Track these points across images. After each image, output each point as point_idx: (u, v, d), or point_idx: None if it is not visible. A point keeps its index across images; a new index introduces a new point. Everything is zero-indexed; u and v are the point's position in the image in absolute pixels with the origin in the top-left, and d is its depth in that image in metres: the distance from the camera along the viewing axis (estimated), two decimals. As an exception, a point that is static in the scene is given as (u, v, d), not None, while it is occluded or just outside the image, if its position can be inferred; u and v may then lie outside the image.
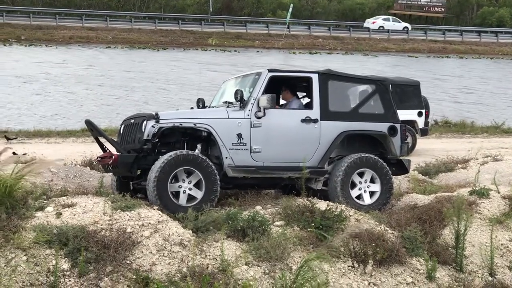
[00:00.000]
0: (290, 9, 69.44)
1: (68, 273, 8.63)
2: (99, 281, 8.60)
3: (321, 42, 68.71)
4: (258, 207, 10.70)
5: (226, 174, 10.84)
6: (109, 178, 13.00)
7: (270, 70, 11.35)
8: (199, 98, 12.48)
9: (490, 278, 10.21)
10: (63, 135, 20.69)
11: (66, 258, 8.74)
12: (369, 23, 77.41)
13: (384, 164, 11.48)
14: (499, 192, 11.78)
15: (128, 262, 8.86)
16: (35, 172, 10.06)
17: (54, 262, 8.61)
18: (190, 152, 10.57)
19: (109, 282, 8.61)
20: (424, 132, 20.00)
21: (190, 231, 9.56)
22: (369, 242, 9.81)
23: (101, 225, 9.29)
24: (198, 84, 38.92)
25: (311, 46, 66.81)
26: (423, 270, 9.91)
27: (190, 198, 10.45)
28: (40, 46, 55.66)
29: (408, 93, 19.57)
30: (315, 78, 11.50)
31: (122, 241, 9.01)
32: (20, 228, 8.99)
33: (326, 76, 11.57)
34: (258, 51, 62.13)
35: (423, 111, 19.95)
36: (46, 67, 43.19)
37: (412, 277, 9.81)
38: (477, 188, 11.88)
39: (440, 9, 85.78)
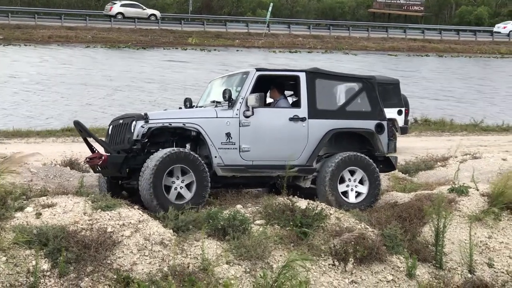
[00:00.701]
0: (270, 8, 69.40)
1: (48, 273, 8.60)
2: (80, 281, 8.58)
3: (301, 41, 68.69)
4: (239, 206, 10.72)
5: (215, 173, 10.89)
6: (90, 178, 12.98)
7: (258, 69, 11.44)
8: (186, 98, 12.51)
9: (469, 275, 10.28)
10: (42, 135, 20.57)
11: (46, 259, 8.72)
12: (499, 28, 77.88)
13: (372, 162, 11.56)
14: (478, 190, 11.85)
15: (108, 262, 8.85)
16: (12, 169, 10.01)
17: (34, 262, 8.58)
18: (190, 151, 10.68)
19: (90, 282, 8.59)
20: (404, 131, 20.06)
21: (171, 231, 9.56)
22: (349, 240, 9.85)
23: (82, 225, 9.27)
24: (181, 83, 38.87)
25: (291, 45, 66.79)
26: (403, 267, 9.97)
27: (179, 196, 10.50)
28: (19, 46, 55.27)
29: (388, 91, 19.58)
30: (302, 76, 11.57)
31: (102, 241, 8.99)
32: (0, 229, 8.95)
33: (314, 75, 11.65)
34: (238, 50, 62.05)
35: (403, 109, 19.99)
36: (26, 66, 42.94)
37: (392, 274, 9.87)
38: (456, 186, 11.94)
39: (419, 8, 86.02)
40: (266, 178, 11.30)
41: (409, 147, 19.34)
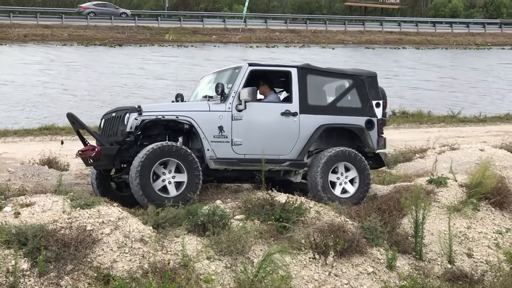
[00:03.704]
0: (247, 3, 69.44)
1: (28, 273, 8.56)
2: (60, 280, 8.54)
3: (278, 35, 68.79)
4: (218, 202, 10.73)
5: (207, 166, 10.95)
6: (68, 176, 12.93)
7: (250, 64, 11.52)
8: (178, 94, 12.60)
9: (449, 266, 10.35)
10: (20, 134, 20.44)
11: (25, 258, 8.67)
12: None
13: (363, 158, 11.60)
14: (456, 181, 11.92)
15: (88, 260, 8.81)
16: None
17: (13, 262, 8.53)
18: (182, 145, 10.76)
19: (70, 280, 8.55)
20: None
21: (151, 227, 9.53)
22: (329, 233, 9.87)
23: (61, 223, 9.22)
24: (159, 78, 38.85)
25: (268, 39, 66.87)
26: (384, 259, 10.01)
27: (178, 185, 10.61)
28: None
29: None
30: (294, 72, 11.64)
31: (82, 239, 8.95)
32: (-22, 229, 8.89)
33: (305, 70, 11.73)
34: (215, 46, 62.04)
35: (381, 102, 20.08)
36: (4, 66, 42.79)
37: (372, 266, 9.90)
38: (435, 177, 12.01)
39: (395, 1, 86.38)
40: (258, 172, 11.31)
41: (387, 140, 19.35)
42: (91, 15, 68.96)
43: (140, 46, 60.39)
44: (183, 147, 10.69)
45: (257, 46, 62.64)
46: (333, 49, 62.74)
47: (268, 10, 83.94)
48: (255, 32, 69.19)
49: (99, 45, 59.41)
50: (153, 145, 10.52)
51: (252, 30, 69.91)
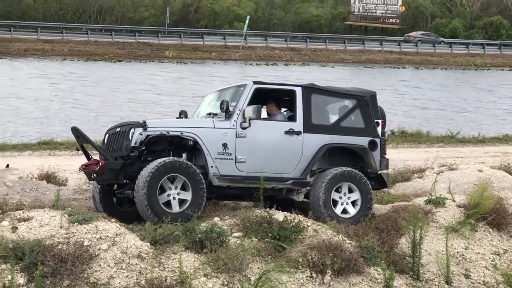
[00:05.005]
0: (247, 21, 69.64)
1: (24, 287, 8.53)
2: (56, 296, 8.52)
3: (278, 53, 68.97)
4: (216, 219, 10.71)
5: (211, 183, 10.94)
6: (66, 191, 12.91)
7: (255, 82, 11.56)
8: (181, 110, 12.64)
9: (446, 286, 10.33)
10: (19, 148, 20.45)
11: (22, 273, 8.65)
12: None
13: (366, 179, 11.60)
14: (454, 201, 11.92)
15: (85, 275, 8.80)
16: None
17: (9, 277, 8.51)
18: (187, 161, 10.75)
19: (67, 296, 8.53)
20: (381, 143, 20.11)
21: (148, 244, 9.52)
22: (327, 252, 9.85)
23: (58, 238, 9.21)
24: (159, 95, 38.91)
25: (268, 57, 67.05)
26: (381, 279, 9.98)
27: (181, 202, 10.58)
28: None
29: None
30: (298, 91, 11.67)
31: (79, 255, 8.93)
32: (-25, 243, 8.87)
33: (310, 90, 11.76)
34: (215, 63, 62.16)
35: (380, 121, 20.11)
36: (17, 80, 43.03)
37: (370, 286, 9.89)
38: (433, 197, 12.00)
39: (395, 20, 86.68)
40: (260, 189, 11.29)
41: (386, 159, 19.37)
42: (419, 43, 78.84)
43: (140, 62, 60.50)
44: (192, 165, 10.68)
45: (257, 64, 62.78)
46: (332, 67, 62.89)
47: (268, 28, 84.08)
48: (255, 49, 69.38)
49: (99, 60, 59.50)
50: (165, 159, 10.55)
51: (252, 47, 70.10)
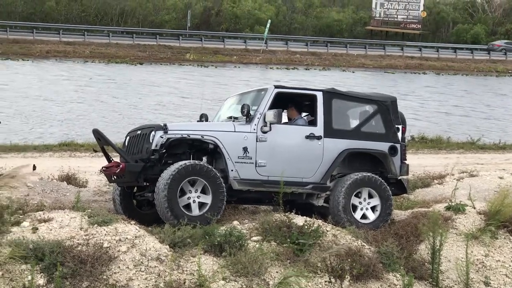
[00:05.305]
0: (268, 25, 69.70)
1: (44, 288, 8.58)
2: (76, 297, 8.55)
3: (298, 57, 68.92)
4: (236, 222, 10.72)
5: (231, 187, 10.96)
6: (86, 193, 12.96)
7: (276, 86, 11.58)
8: (202, 114, 12.67)
9: (466, 293, 10.27)
10: (40, 149, 20.55)
11: (42, 274, 8.69)
12: None
13: (386, 185, 11.59)
14: (474, 208, 11.86)
15: (104, 277, 8.83)
16: (14, 185, 10.00)
17: (29, 277, 8.55)
18: (207, 164, 10.78)
19: (86, 297, 8.56)
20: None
21: (167, 246, 9.54)
22: (346, 257, 9.83)
23: (78, 240, 9.25)
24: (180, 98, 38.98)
25: (288, 61, 67.00)
26: (400, 285, 9.94)
27: (201, 205, 10.63)
28: (17, 60, 55.32)
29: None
30: (319, 96, 11.68)
31: (98, 256, 8.97)
32: (-4, 243, 8.93)
33: (331, 95, 11.77)
34: (235, 66, 62.21)
35: (400, 127, 20.06)
36: (35, 80, 43.23)
37: (388, 292, 9.85)
38: (453, 204, 11.95)
39: (416, 26, 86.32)
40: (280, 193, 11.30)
41: (406, 165, 19.29)
42: (503, 52, 79.15)
43: (161, 64, 60.63)
44: (213, 169, 10.69)
45: (277, 68, 62.76)
46: (353, 72, 62.75)
47: (289, 32, 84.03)
48: (275, 53, 69.38)
49: (120, 62, 59.70)
50: (186, 162, 10.57)
51: (272, 51, 70.10)
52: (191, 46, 68.42)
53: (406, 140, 12.75)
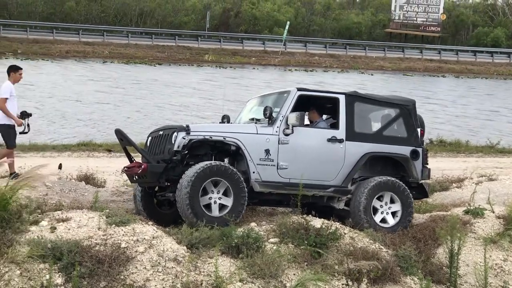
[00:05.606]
0: (287, 27, 69.69)
1: (61, 287, 8.60)
2: (93, 296, 8.58)
3: (317, 59, 68.86)
4: (253, 224, 10.71)
5: (252, 189, 10.95)
6: (104, 193, 12.99)
7: (299, 89, 11.57)
8: (224, 115, 12.72)
9: (484, 298, 10.21)
10: (58, 149, 20.62)
11: (59, 273, 8.73)
12: None
13: (407, 189, 11.55)
14: (493, 212, 11.80)
15: (122, 277, 8.85)
16: (33, 185, 10.06)
17: (47, 276, 8.59)
18: (229, 165, 10.75)
19: (103, 297, 8.59)
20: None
21: (185, 247, 9.55)
22: (363, 260, 9.80)
23: (96, 240, 9.28)
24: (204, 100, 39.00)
25: (307, 63, 66.95)
26: (417, 289, 9.91)
27: (221, 207, 10.62)
28: (37, 60, 55.57)
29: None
30: (342, 99, 11.68)
31: (116, 256, 8.99)
32: (14, 242, 8.98)
33: (353, 98, 11.77)
34: (254, 68, 62.22)
35: (419, 130, 20.00)
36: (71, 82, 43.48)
37: (406, 296, 9.82)
38: (471, 208, 11.89)
39: (435, 29, 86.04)
40: (302, 196, 11.28)
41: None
42: None
43: (180, 65, 60.72)
44: (237, 172, 10.68)
45: (296, 70, 62.71)
46: (372, 75, 62.60)
47: (308, 34, 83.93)
48: (294, 55, 69.34)
49: (139, 63, 59.84)
50: (211, 162, 10.59)
51: (291, 53, 70.08)
52: (209, 47, 68.49)
53: (424, 143, 12.70)
